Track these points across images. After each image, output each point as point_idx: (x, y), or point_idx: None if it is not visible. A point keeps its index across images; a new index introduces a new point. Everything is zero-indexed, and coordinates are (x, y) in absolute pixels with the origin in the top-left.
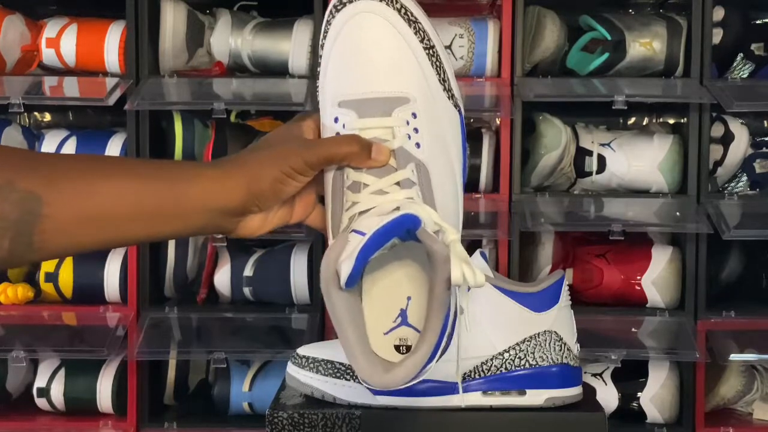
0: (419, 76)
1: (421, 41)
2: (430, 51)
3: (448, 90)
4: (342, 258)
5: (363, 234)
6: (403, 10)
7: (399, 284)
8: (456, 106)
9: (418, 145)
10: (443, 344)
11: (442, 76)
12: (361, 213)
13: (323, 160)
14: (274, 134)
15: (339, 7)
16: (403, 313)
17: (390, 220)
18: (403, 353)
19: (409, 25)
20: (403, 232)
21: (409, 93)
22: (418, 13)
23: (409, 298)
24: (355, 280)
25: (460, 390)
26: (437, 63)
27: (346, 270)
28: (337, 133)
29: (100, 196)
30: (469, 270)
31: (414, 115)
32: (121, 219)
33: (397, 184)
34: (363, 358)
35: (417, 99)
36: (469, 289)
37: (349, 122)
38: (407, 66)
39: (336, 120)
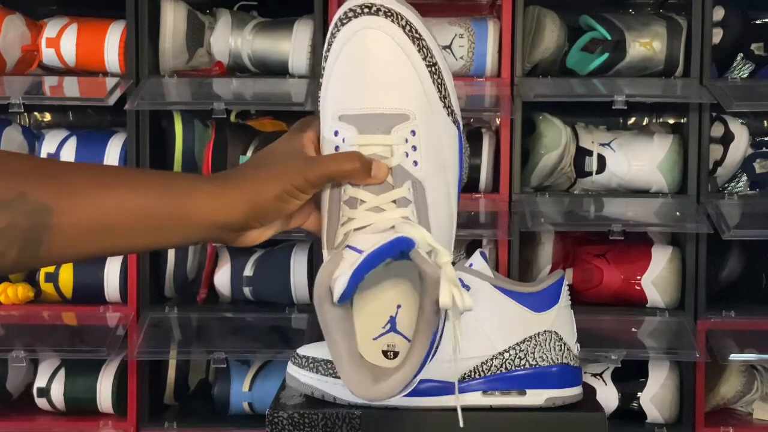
0: (420, 94)
1: (424, 58)
2: (433, 68)
3: (448, 107)
4: (336, 274)
5: (358, 250)
6: (407, 27)
7: (390, 292)
8: (455, 122)
9: (415, 163)
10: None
11: (443, 93)
12: (357, 229)
13: (325, 178)
14: (276, 147)
15: (344, 21)
16: (392, 320)
17: (385, 242)
18: (390, 359)
19: (413, 42)
20: (397, 253)
21: (409, 110)
22: (422, 29)
23: (399, 306)
24: (348, 296)
25: (456, 391)
26: (439, 80)
27: (339, 287)
28: (337, 147)
29: (105, 207)
30: (459, 294)
31: (413, 133)
32: (123, 230)
33: (394, 201)
34: (352, 371)
35: (417, 116)
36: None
37: (349, 137)
38: (409, 83)
39: (336, 134)
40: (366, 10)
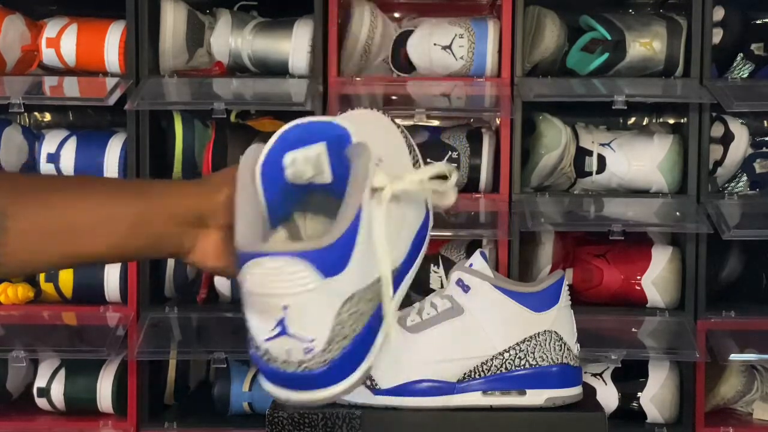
0: None
1: None
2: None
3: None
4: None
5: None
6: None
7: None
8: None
9: None
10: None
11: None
12: None
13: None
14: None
15: None
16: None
17: (320, 120)
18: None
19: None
20: (334, 139)
21: None
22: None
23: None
24: (273, 163)
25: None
26: None
27: (265, 150)
28: None
29: (60, 208)
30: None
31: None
32: (80, 231)
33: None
34: (244, 226)
35: None
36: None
37: None
38: None
39: None
40: None
